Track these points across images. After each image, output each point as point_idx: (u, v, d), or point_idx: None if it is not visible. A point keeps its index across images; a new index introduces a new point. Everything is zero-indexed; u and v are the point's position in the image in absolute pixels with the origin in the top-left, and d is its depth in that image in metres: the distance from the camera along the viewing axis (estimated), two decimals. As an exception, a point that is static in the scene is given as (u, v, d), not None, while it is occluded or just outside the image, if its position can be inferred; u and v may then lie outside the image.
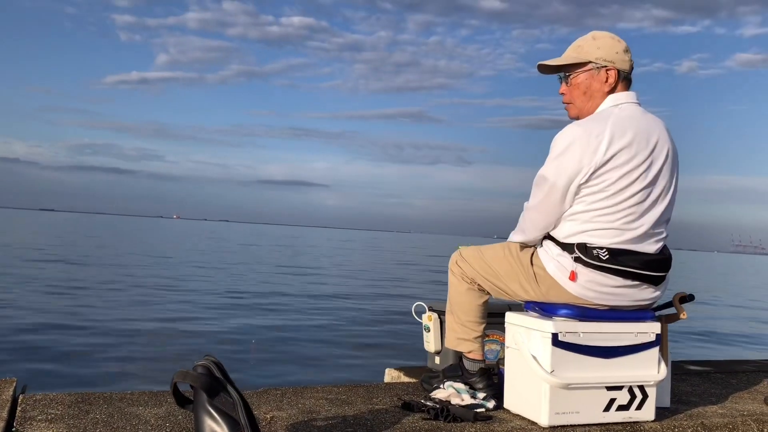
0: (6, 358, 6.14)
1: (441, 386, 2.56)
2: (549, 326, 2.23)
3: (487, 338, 2.91)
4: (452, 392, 2.47)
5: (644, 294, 2.32)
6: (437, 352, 3.05)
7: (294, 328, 8.97)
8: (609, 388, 2.30)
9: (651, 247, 2.29)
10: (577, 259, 2.24)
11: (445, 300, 2.68)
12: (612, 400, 2.30)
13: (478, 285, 2.53)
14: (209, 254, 27.16)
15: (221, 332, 8.29)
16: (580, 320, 2.29)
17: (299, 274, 19.23)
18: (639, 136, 2.23)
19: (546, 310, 2.35)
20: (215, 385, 1.66)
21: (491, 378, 2.56)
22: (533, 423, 2.28)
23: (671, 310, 2.60)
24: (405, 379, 3.09)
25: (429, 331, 3.04)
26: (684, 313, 2.57)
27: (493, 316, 2.70)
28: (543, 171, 2.28)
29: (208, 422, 1.61)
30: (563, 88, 2.42)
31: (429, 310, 3.06)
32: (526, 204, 2.39)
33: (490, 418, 2.33)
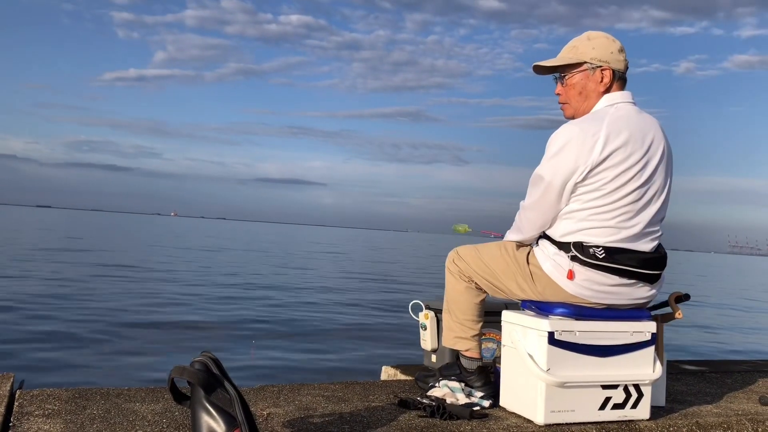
0: (3, 353, 6.13)
1: (436, 385, 2.57)
2: (545, 325, 2.24)
3: (483, 337, 2.92)
4: (447, 391, 2.48)
5: (640, 293, 2.33)
6: (434, 351, 3.05)
7: (290, 325, 8.97)
8: (604, 387, 2.31)
9: (646, 245, 2.30)
10: (573, 258, 2.25)
11: (442, 298, 2.69)
12: (607, 399, 2.31)
13: (475, 283, 2.54)
14: (213, 251, 27.14)
15: (219, 328, 8.28)
16: (576, 319, 2.30)
17: (295, 271, 19.22)
18: (634, 136, 2.25)
19: (542, 308, 2.36)
20: (212, 381, 1.67)
21: (488, 376, 2.57)
22: (529, 421, 2.29)
23: (667, 310, 2.61)
24: (401, 376, 3.10)
25: (426, 329, 3.05)
26: (680, 312, 2.58)
27: (490, 315, 2.71)
28: (539, 170, 2.29)
29: (205, 418, 1.61)
30: (559, 88, 2.44)
31: (426, 308, 3.07)
32: (522, 203, 2.40)
33: (486, 416, 2.34)
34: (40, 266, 14.83)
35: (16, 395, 2.24)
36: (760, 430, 2.53)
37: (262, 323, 9.05)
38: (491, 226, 2.90)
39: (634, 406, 2.36)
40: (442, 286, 2.66)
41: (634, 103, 2.38)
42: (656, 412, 2.50)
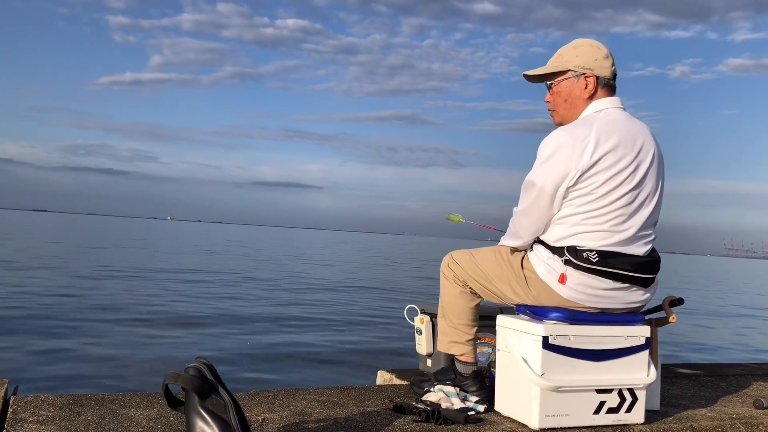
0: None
1: (431, 389, 2.57)
2: (539, 329, 2.25)
3: (478, 341, 2.93)
4: (442, 396, 2.48)
5: (634, 296, 2.34)
6: (429, 355, 3.06)
7: (285, 330, 8.96)
8: (599, 391, 2.31)
9: (640, 249, 2.31)
10: (567, 262, 2.26)
11: (437, 303, 2.69)
12: (602, 403, 2.32)
13: (470, 288, 2.55)
14: (210, 256, 27.08)
15: (213, 334, 8.27)
16: (571, 323, 2.30)
17: (291, 274, 19.20)
18: (624, 140, 2.27)
19: (537, 313, 2.36)
20: (206, 387, 1.66)
21: (483, 381, 2.58)
22: (524, 425, 2.29)
23: (661, 314, 2.62)
24: (397, 381, 3.10)
25: (421, 333, 3.05)
26: (674, 316, 2.59)
27: (485, 319, 2.72)
28: (531, 176, 2.31)
29: (200, 424, 1.61)
30: (548, 95, 2.49)
31: (421, 312, 3.07)
32: (515, 209, 2.41)
33: (481, 420, 2.34)
34: (31, 272, 14.77)
35: (10, 401, 2.23)
36: (754, 433, 2.54)
37: (257, 325, 9.04)
38: (488, 222, 2.90)
39: (629, 410, 2.36)
40: (438, 290, 2.67)
41: (624, 109, 2.40)
42: (651, 416, 2.50)
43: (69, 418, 2.10)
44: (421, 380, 2.75)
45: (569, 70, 2.38)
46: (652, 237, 2.37)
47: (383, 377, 3.23)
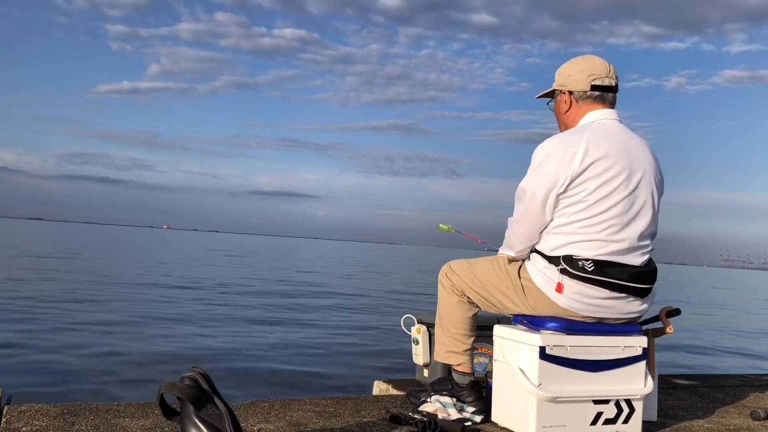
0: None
1: (428, 400, 2.56)
2: (536, 339, 2.25)
3: (476, 351, 2.92)
4: (439, 407, 2.47)
5: (631, 307, 2.34)
6: (426, 365, 3.05)
7: (281, 339, 8.93)
8: (596, 402, 2.31)
9: (637, 259, 2.31)
10: (563, 271, 2.26)
11: (435, 312, 2.69)
12: (599, 414, 2.31)
13: (468, 298, 2.55)
14: (208, 265, 27.04)
15: (209, 343, 8.23)
16: (568, 333, 2.30)
17: (288, 284, 19.17)
18: (616, 148, 2.29)
19: (534, 323, 2.36)
20: (202, 396, 1.65)
21: (480, 391, 2.57)
22: (521, 436, 2.28)
23: (658, 325, 2.62)
24: (393, 391, 3.08)
25: (418, 343, 3.04)
26: (670, 327, 2.59)
27: (482, 329, 2.71)
28: (522, 184, 2.36)
29: (195, 434, 1.60)
30: None
31: (418, 322, 3.06)
32: (509, 219, 2.43)
33: (477, 431, 2.33)
34: (24, 282, 14.73)
35: (4, 411, 2.22)
36: (751, 444, 2.53)
37: (253, 335, 9.01)
38: (479, 236, 2.92)
39: (626, 421, 2.35)
40: (435, 300, 2.66)
41: (620, 121, 2.42)
42: (648, 427, 2.50)
43: (63, 428, 2.08)
44: (417, 390, 2.74)
45: (554, 90, 2.52)
46: (650, 248, 2.37)
47: (380, 387, 3.22)
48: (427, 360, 3.02)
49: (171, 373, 6.16)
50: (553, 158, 2.27)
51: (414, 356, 3.09)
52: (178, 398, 1.64)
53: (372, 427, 2.32)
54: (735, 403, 3.18)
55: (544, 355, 2.24)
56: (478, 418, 2.44)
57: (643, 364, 2.39)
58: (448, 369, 2.64)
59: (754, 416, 2.82)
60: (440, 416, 2.40)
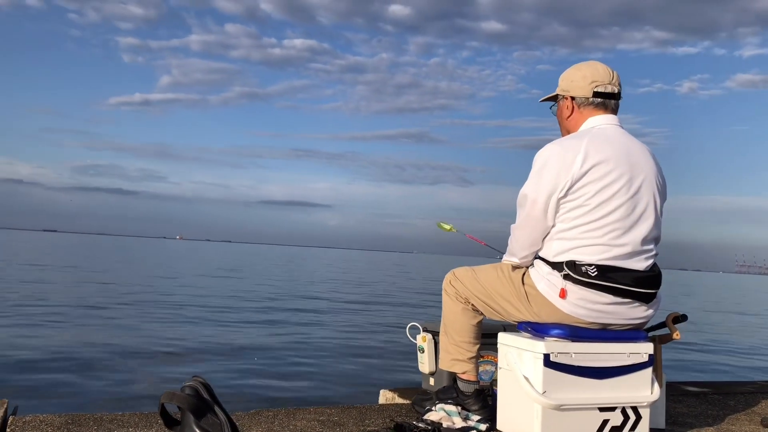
0: None
1: (433, 408, 2.54)
2: (541, 347, 2.23)
3: (481, 359, 2.90)
4: (443, 415, 2.45)
5: (636, 312, 2.31)
6: (432, 374, 3.03)
7: (288, 347, 8.92)
8: (602, 409, 2.28)
9: (640, 264, 2.29)
10: (566, 277, 2.25)
11: (440, 320, 2.68)
12: (605, 422, 2.28)
13: (472, 305, 2.53)
14: (217, 274, 27.12)
15: (214, 352, 8.24)
16: (572, 340, 2.28)
17: (295, 293, 19.18)
18: (616, 153, 2.28)
19: (538, 330, 2.34)
20: (202, 406, 1.65)
21: (485, 400, 2.55)
22: (526, 445, 2.26)
23: (664, 331, 2.59)
24: (399, 400, 3.07)
25: (423, 351, 3.03)
26: (677, 333, 2.56)
27: (488, 337, 2.69)
28: (523, 189, 2.35)
29: (194, 443, 1.60)
30: None
31: (423, 330, 3.05)
32: (512, 226, 2.42)
33: (482, 439, 2.31)
34: (33, 292, 14.82)
35: (9, 421, 2.22)
36: (762, 452, 2.49)
37: (260, 344, 9.01)
38: (489, 243, 2.90)
39: (633, 428, 2.32)
40: (440, 308, 2.65)
41: (621, 126, 2.41)
42: (656, 434, 2.47)
43: (67, 438, 2.08)
44: (422, 399, 2.72)
45: (557, 95, 2.52)
46: (654, 252, 2.35)
47: (385, 396, 3.20)
48: (433, 368, 3.00)
49: (174, 382, 6.16)
50: (553, 163, 2.27)
51: (420, 365, 3.07)
52: (179, 408, 1.64)
53: (376, 436, 2.30)
54: (746, 410, 3.14)
55: (548, 362, 2.21)
56: (483, 427, 2.42)
57: (649, 371, 2.36)
58: (453, 377, 2.62)
59: (765, 423, 2.78)
60: (445, 425, 2.38)
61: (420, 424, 2.37)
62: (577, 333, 2.29)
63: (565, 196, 2.26)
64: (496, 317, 2.53)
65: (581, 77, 2.44)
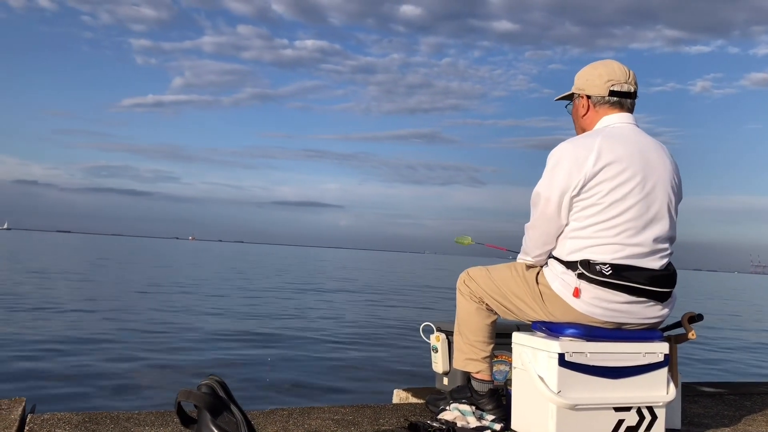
0: (16, 377, 6.17)
1: (447, 408, 2.54)
2: (555, 346, 2.22)
3: (495, 359, 2.89)
4: (458, 415, 2.45)
5: (651, 312, 2.30)
6: (446, 373, 3.03)
7: (301, 347, 8.94)
8: (617, 409, 2.27)
9: (655, 263, 2.28)
10: (580, 276, 2.24)
11: (454, 320, 2.68)
12: (620, 422, 2.27)
13: (486, 305, 2.53)
14: (233, 275, 27.23)
15: (228, 352, 8.28)
16: (587, 340, 2.27)
17: (306, 293, 19.22)
18: (630, 152, 2.27)
19: (553, 329, 2.34)
20: (218, 404, 1.66)
21: (500, 399, 2.55)
22: (541, 444, 2.25)
23: (680, 330, 2.58)
24: (413, 400, 3.07)
25: (437, 351, 3.03)
26: (693, 333, 2.54)
27: (502, 337, 2.69)
28: (537, 188, 2.35)
29: (211, 442, 1.61)
30: None
31: (437, 330, 3.05)
32: (526, 225, 2.41)
33: (497, 439, 2.31)
34: (49, 291, 14.95)
35: (27, 419, 2.25)
36: (779, 453, 2.47)
37: (274, 343, 9.04)
38: (502, 244, 2.90)
39: (648, 428, 2.31)
40: (454, 307, 2.65)
41: (636, 125, 2.40)
42: (671, 435, 2.45)
43: (84, 436, 2.10)
44: (436, 398, 2.72)
45: (573, 93, 2.51)
46: (668, 251, 2.34)
47: (399, 396, 3.20)
48: (447, 368, 3.00)
49: (190, 380, 6.20)
50: (566, 161, 2.27)
51: (433, 364, 3.07)
52: (195, 406, 1.65)
53: (390, 435, 2.31)
54: (763, 411, 3.11)
55: (563, 362, 2.21)
56: (497, 426, 2.42)
57: (665, 370, 2.35)
58: (467, 377, 2.62)
59: (783, 424, 2.75)
60: (459, 424, 2.38)
61: (434, 424, 2.37)
62: (591, 332, 2.28)
63: (579, 194, 2.25)
64: (510, 317, 2.52)
65: (597, 76, 2.43)
